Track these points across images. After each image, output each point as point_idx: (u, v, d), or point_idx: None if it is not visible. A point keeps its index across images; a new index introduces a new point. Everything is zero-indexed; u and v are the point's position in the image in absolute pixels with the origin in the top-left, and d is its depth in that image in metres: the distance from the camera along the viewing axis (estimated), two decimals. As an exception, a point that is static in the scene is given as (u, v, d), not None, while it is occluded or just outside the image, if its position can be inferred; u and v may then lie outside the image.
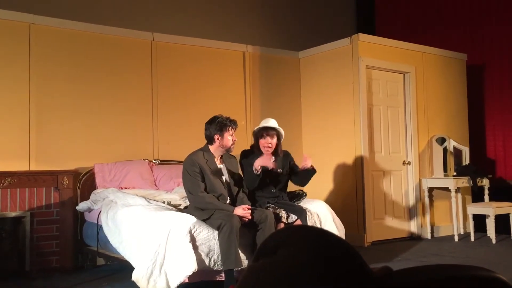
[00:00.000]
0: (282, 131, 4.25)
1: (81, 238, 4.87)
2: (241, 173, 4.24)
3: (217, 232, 3.61)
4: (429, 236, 6.41)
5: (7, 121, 4.82)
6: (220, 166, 3.99)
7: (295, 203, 4.26)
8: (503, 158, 7.13)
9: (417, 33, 7.81)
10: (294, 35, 7.62)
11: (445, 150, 6.61)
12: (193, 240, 3.55)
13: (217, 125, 3.90)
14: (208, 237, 3.62)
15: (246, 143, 5.66)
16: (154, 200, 4.30)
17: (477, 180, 6.33)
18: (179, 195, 4.65)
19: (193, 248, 3.51)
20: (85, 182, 5.04)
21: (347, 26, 8.37)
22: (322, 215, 4.29)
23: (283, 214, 3.98)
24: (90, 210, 4.63)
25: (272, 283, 0.70)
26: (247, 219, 3.73)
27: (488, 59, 7.30)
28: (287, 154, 4.42)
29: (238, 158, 4.28)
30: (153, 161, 5.46)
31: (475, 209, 6.12)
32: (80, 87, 5.23)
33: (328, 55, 6.52)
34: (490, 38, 7.27)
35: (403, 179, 6.49)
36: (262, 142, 4.20)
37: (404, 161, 6.51)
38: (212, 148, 3.96)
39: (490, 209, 5.89)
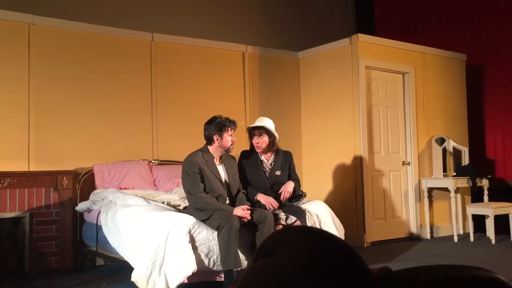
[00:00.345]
0: (270, 126, 4.23)
1: (81, 238, 4.87)
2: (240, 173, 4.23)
3: (216, 232, 3.61)
4: (428, 236, 6.42)
5: (7, 121, 4.81)
6: (220, 166, 3.99)
7: (295, 203, 4.25)
8: (503, 159, 7.13)
9: (417, 33, 7.81)
10: (293, 36, 7.62)
11: (444, 150, 6.61)
12: (192, 240, 3.55)
13: (216, 126, 3.90)
14: (208, 238, 3.62)
15: (246, 144, 5.64)
16: (154, 201, 4.29)
17: (477, 180, 6.33)
18: (178, 196, 4.65)
19: (193, 249, 3.51)
20: (84, 183, 5.04)
21: (347, 26, 8.37)
22: (321, 215, 4.28)
23: (282, 215, 3.98)
24: (89, 210, 4.63)
25: (271, 283, 0.70)
26: (246, 220, 3.73)
27: (488, 59, 7.30)
28: (288, 155, 4.41)
29: (237, 158, 4.28)
30: (153, 161, 5.46)
31: (474, 209, 6.12)
32: (79, 87, 5.23)
33: (328, 56, 6.51)
34: (489, 38, 7.27)
35: (403, 180, 6.49)
36: (253, 141, 4.27)
37: (403, 162, 6.51)
38: (211, 148, 3.96)
39: (489, 209, 5.89)
